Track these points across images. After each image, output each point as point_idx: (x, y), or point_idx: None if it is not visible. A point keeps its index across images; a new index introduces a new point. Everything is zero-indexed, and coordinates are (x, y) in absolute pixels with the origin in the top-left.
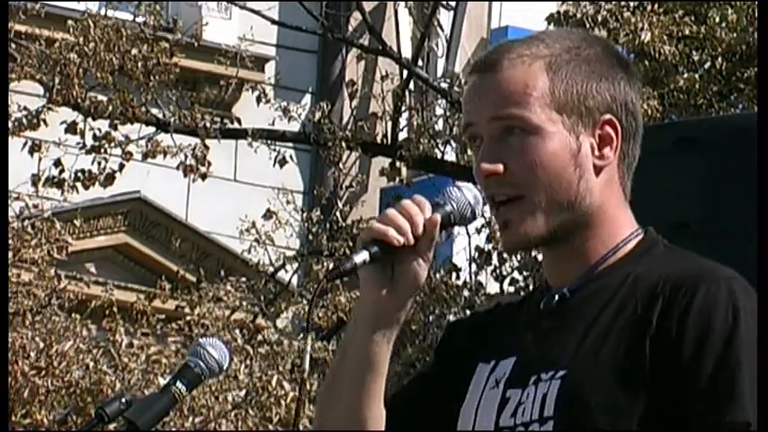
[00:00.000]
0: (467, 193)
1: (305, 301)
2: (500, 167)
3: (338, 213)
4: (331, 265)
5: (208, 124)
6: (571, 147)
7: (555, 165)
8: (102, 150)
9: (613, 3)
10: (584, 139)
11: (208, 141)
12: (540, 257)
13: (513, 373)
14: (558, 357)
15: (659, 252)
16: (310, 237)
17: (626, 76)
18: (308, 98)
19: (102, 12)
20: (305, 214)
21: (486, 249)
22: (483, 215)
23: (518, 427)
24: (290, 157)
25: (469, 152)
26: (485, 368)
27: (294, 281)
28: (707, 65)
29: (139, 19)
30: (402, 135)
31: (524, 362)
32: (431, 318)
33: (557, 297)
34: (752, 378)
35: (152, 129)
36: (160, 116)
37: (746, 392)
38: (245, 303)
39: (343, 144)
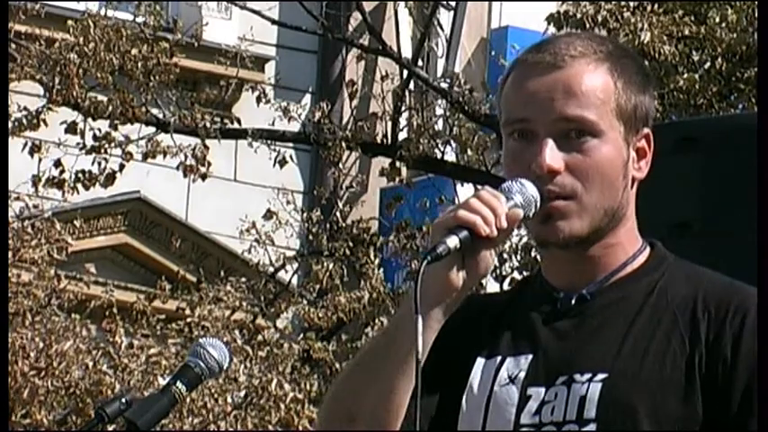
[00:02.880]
0: (530, 188)
1: (305, 302)
2: (562, 165)
3: (338, 213)
4: (332, 266)
5: (208, 124)
6: (623, 155)
7: (611, 171)
8: (103, 150)
9: (613, 3)
10: (630, 149)
11: (208, 141)
12: (539, 258)
13: (533, 371)
14: (593, 360)
15: (672, 265)
16: (310, 237)
17: (653, 90)
18: (308, 98)
19: (102, 12)
20: (305, 214)
21: None
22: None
23: (546, 425)
24: (290, 157)
25: (469, 152)
26: (489, 364)
27: (294, 281)
28: (707, 65)
29: (139, 19)
30: (402, 135)
31: (546, 360)
32: None
33: (575, 298)
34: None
35: (152, 129)
36: (160, 116)
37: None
38: (245, 304)
39: (343, 144)
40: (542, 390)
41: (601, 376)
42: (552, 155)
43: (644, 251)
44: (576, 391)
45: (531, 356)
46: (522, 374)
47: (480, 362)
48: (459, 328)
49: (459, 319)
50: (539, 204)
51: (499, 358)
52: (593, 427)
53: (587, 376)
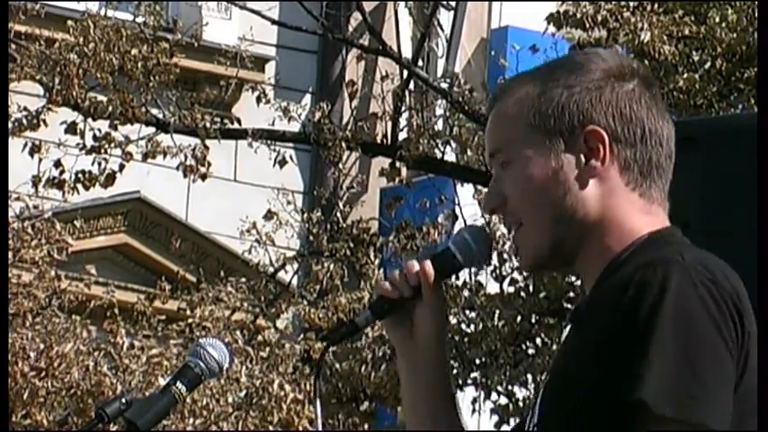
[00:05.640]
0: (469, 234)
1: (305, 302)
2: (498, 200)
3: (338, 214)
4: (332, 266)
5: (208, 124)
6: (551, 166)
7: (535, 187)
8: (103, 151)
9: (613, 3)
10: (567, 155)
11: (208, 141)
12: None
13: (542, 389)
14: (552, 365)
15: (651, 249)
16: (310, 237)
17: (618, 83)
18: (308, 98)
19: (102, 12)
20: (305, 215)
21: None
22: (491, 253)
23: None
24: (290, 157)
25: (469, 152)
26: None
27: (294, 281)
28: (707, 65)
29: (139, 19)
30: (402, 135)
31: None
32: None
33: (574, 308)
34: (666, 359)
35: (152, 129)
36: (160, 116)
37: (655, 372)
38: (245, 304)
39: (343, 144)
40: (539, 402)
41: (546, 379)
42: (489, 194)
43: (637, 243)
44: (540, 399)
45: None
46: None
47: None
48: None
49: None
50: (482, 245)
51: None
52: (537, 429)
53: (545, 384)
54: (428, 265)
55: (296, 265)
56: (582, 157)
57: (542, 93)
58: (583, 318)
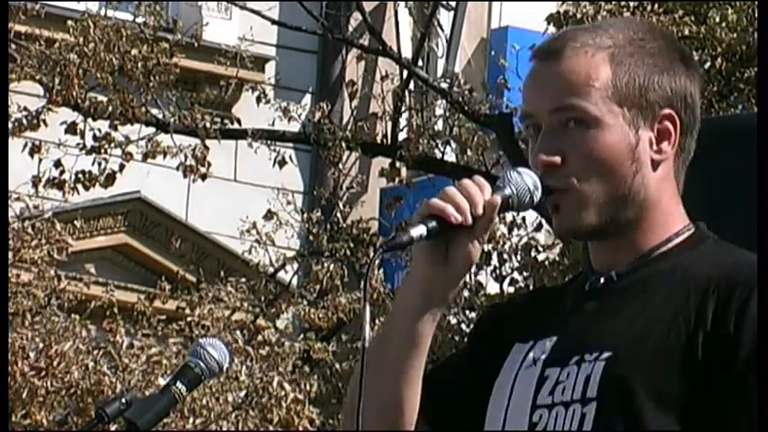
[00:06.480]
0: (527, 178)
1: (305, 302)
2: (557, 159)
3: (338, 214)
4: (332, 266)
5: (208, 124)
6: (629, 140)
7: (611, 158)
8: (103, 151)
9: (613, 3)
10: (642, 132)
11: (208, 141)
12: (539, 258)
13: (553, 352)
14: (603, 338)
15: (708, 246)
16: (310, 237)
17: (687, 70)
18: (308, 98)
19: (102, 12)
20: (305, 215)
21: (485, 249)
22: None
23: (557, 405)
24: (290, 157)
25: (469, 152)
26: (522, 347)
27: (294, 281)
28: (707, 65)
29: (139, 19)
30: (402, 135)
31: (566, 341)
32: None
33: (603, 279)
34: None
35: (152, 129)
36: (160, 116)
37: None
38: (245, 304)
39: (343, 144)
40: (558, 370)
41: (606, 355)
42: (546, 149)
43: (683, 234)
44: (584, 371)
45: (555, 338)
46: (544, 356)
47: (516, 346)
48: (507, 316)
49: (506, 308)
50: (538, 194)
51: (531, 342)
52: (593, 405)
53: (595, 355)
54: (497, 198)
55: (296, 265)
56: (654, 138)
57: (626, 63)
58: (635, 293)
